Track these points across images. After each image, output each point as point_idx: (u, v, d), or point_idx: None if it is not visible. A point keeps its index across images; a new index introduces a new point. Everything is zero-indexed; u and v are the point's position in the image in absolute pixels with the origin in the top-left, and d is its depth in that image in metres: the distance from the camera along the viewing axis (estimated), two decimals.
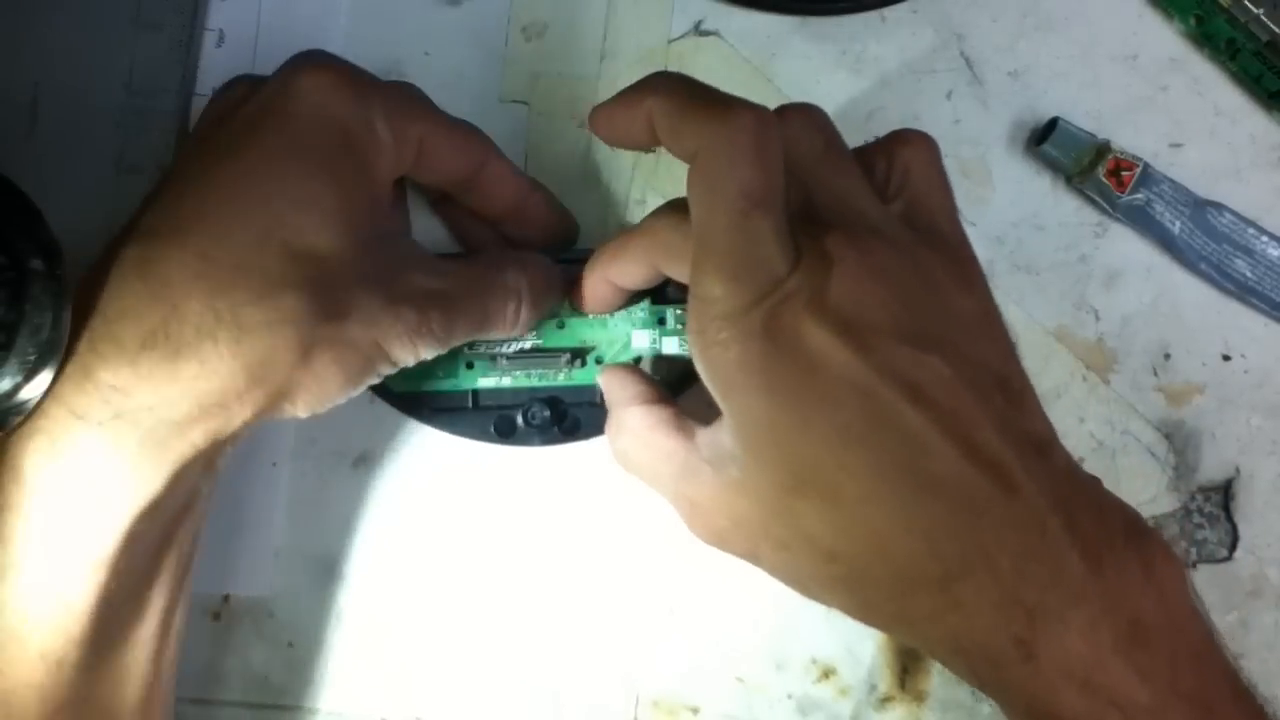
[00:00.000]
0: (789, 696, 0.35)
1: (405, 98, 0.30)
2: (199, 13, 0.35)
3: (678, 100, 0.26)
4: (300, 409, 0.27)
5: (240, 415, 0.26)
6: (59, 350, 0.25)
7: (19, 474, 0.25)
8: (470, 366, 0.33)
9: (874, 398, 0.24)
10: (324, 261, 0.26)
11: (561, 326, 0.33)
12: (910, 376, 0.24)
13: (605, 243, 0.30)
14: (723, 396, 0.26)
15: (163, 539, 0.28)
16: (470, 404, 0.33)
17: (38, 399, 0.25)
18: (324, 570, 0.35)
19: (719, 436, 0.27)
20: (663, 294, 0.33)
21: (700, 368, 0.26)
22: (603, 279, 0.30)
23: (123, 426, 0.25)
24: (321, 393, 0.27)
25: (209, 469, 0.28)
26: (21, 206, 0.25)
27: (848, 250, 0.25)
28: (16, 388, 0.24)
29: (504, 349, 0.33)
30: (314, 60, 0.28)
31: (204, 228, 0.26)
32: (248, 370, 0.25)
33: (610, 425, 0.31)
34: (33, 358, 0.24)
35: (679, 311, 0.33)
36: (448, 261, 0.30)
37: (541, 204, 0.33)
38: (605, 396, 0.32)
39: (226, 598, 0.34)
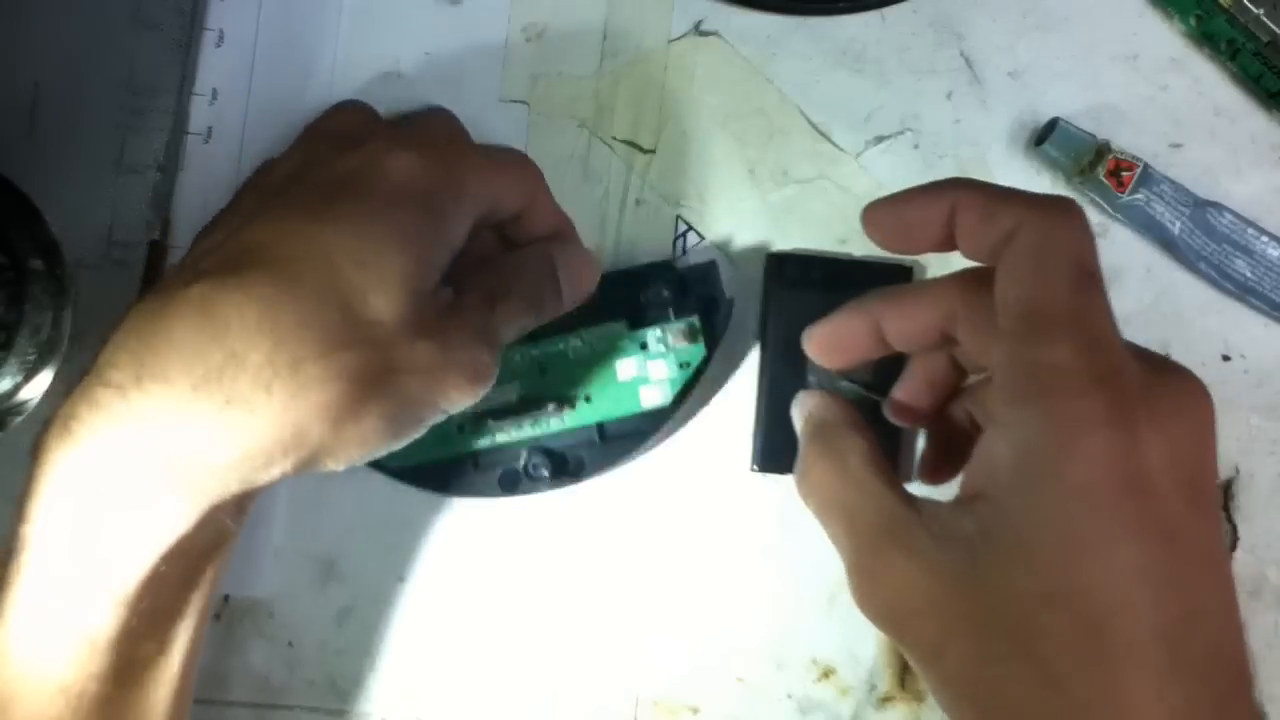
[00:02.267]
0: (789, 696, 0.35)
1: (502, 165, 0.31)
2: (199, 13, 0.35)
3: (988, 191, 0.26)
4: (340, 463, 0.27)
5: (280, 468, 0.26)
6: (59, 350, 0.25)
7: (49, 508, 0.25)
8: (462, 430, 0.33)
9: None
10: (382, 322, 0.26)
11: (543, 372, 0.33)
12: None
13: (876, 290, 0.29)
14: (1031, 476, 0.23)
15: (189, 578, 0.27)
16: (473, 465, 0.33)
17: (38, 399, 0.25)
18: (324, 570, 0.35)
19: (959, 517, 0.25)
20: (642, 317, 0.33)
21: (1014, 435, 0.24)
22: (867, 320, 0.29)
23: (159, 466, 0.25)
24: (363, 449, 0.27)
25: (240, 513, 0.28)
26: (21, 206, 0.25)
27: (1203, 402, 0.25)
28: (16, 388, 0.24)
29: (487, 404, 0.31)
30: (414, 141, 0.29)
31: (271, 280, 0.26)
32: (296, 425, 0.25)
33: (813, 449, 0.29)
34: (33, 358, 0.24)
35: (659, 333, 0.33)
36: (490, 278, 0.30)
37: (570, 242, 0.33)
38: (800, 422, 0.30)
39: (226, 598, 0.34)
